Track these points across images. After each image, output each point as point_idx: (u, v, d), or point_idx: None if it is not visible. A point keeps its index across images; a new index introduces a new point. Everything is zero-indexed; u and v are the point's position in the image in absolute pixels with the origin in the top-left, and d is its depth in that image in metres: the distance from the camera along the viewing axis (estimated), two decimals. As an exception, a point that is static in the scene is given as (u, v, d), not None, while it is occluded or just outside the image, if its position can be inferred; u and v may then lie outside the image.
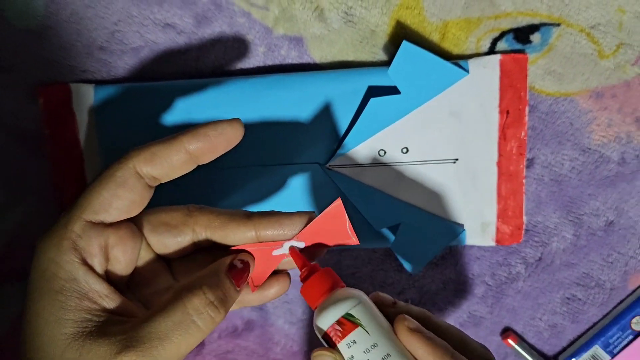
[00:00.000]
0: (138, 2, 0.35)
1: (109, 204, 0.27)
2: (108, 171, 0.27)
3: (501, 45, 0.36)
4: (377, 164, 0.37)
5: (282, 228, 0.28)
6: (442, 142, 0.37)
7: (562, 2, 0.35)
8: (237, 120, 0.29)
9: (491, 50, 0.37)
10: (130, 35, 0.36)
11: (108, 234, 0.27)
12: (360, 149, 0.37)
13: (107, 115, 0.37)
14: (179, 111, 0.36)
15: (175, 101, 0.36)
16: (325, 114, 0.36)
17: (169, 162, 0.28)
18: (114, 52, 0.37)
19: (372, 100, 0.35)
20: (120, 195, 0.27)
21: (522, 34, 0.36)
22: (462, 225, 0.38)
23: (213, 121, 0.28)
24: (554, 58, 0.37)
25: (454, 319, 0.41)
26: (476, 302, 0.41)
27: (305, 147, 0.37)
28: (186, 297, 0.25)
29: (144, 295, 0.29)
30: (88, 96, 0.36)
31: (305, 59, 0.37)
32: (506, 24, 0.36)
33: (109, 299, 0.26)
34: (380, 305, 0.28)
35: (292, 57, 0.37)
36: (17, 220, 0.39)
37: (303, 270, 0.28)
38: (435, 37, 0.36)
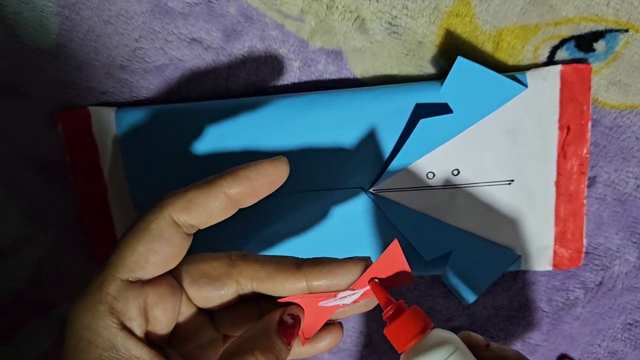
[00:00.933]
0: (161, 17, 0.32)
1: (145, 259, 0.24)
2: (141, 222, 0.24)
3: (561, 54, 0.33)
4: (425, 187, 0.34)
5: (336, 278, 0.25)
6: (496, 163, 0.34)
7: (631, 5, 0.32)
8: (281, 159, 0.26)
9: (550, 60, 0.33)
10: (153, 53, 0.33)
11: (146, 292, 0.24)
12: (407, 171, 0.34)
13: (131, 141, 0.34)
14: (209, 135, 0.33)
15: (205, 124, 0.33)
16: (369, 134, 0.33)
17: (208, 209, 0.25)
18: (136, 71, 0.33)
19: (422, 121, 0.32)
20: (156, 250, 0.24)
21: (585, 42, 0.33)
22: (517, 251, 0.35)
23: (255, 162, 0.26)
24: (620, 67, 0.33)
25: (507, 346, 0.39)
26: (531, 329, 0.38)
27: (348, 170, 0.34)
28: None
29: (186, 351, 0.26)
30: (109, 120, 0.34)
31: (345, 74, 0.34)
32: (567, 31, 0.32)
33: None
34: (472, 347, 0.26)
35: (330, 72, 0.34)
36: (41, 252, 0.36)
37: (388, 308, 0.26)
38: (488, 47, 0.33)
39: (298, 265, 0.25)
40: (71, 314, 0.24)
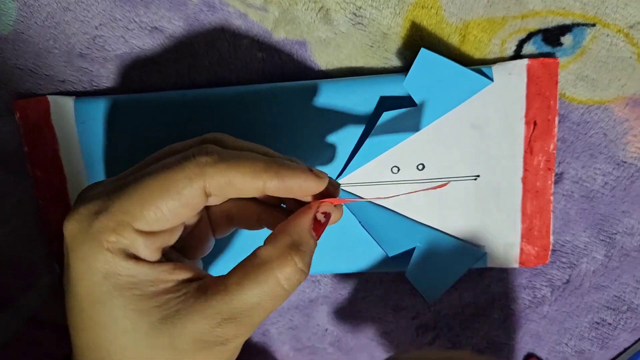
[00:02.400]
0: (122, 4, 0.32)
1: (167, 219, 0.23)
2: (172, 182, 0.23)
3: (528, 48, 0.33)
4: (389, 182, 0.33)
5: (285, 181, 0.25)
6: (461, 158, 0.33)
7: None
8: (324, 177, 0.26)
9: (517, 54, 0.33)
10: (113, 41, 0.32)
11: (159, 237, 0.24)
12: (371, 165, 0.33)
13: (89, 131, 0.33)
14: (170, 126, 0.33)
15: (166, 115, 0.33)
16: (332, 127, 0.33)
17: (241, 192, 0.24)
18: (96, 59, 0.33)
19: (385, 113, 0.31)
20: (180, 214, 0.23)
21: (552, 36, 0.32)
22: (482, 248, 0.34)
23: (302, 171, 0.25)
24: (587, 62, 0.33)
25: (472, 345, 0.38)
26: (497, 327, 0.38)
27: (310, 163, 0.33)
28: (278, 268, 0.24)
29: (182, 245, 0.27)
30: (68, 110, 0.33)
31: (310, 65, 0.33)
32: (534, 24, 0.32)
33: (180, 273, 0.24)
34: None
35: (294, 63, 0.33)
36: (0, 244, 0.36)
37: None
38: (454, 40, 0.32)
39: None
40: (75, 263, 0.23)
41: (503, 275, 0.36)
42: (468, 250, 0.34)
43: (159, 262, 0.24)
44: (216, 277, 0.25)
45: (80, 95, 0.33)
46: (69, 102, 0.33)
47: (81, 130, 0.33)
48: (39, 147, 0.33)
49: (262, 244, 0.25)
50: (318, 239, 0.26)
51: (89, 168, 0.34)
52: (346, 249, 0.34)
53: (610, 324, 0.37)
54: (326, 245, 0.34)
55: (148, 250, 0.23)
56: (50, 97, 0.33)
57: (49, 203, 0.34)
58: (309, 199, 0.26)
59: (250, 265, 0.24)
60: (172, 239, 0.25)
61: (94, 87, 0.33)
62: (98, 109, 0.33)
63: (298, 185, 0.25)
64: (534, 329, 0.37)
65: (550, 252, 0.35)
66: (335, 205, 0.27)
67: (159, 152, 0.26)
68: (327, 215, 0.26)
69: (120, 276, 0.23)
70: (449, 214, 0.34)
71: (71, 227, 0.23)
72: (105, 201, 0.23)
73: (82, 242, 0.23)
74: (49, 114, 0.33)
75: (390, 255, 0.33)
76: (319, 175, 0.25)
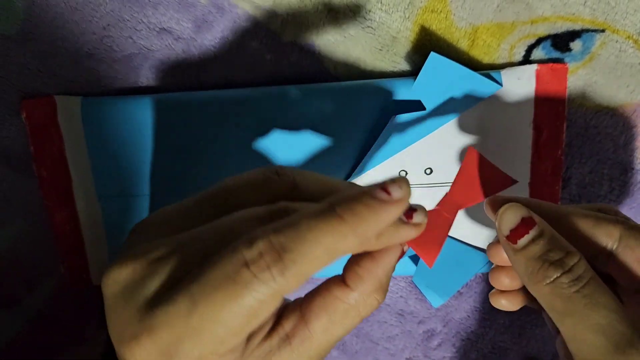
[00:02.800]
0: (130, 5, 0.31)
1: (239, 339, 0.20)
2: (247, 306, 0.19)
3: (537, 53, 0.32)
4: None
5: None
6: (469, 162, 0.33)
7: (607, 5, 0.31)
8: (421, 223, 0.21)
9: (526, 59, 0.33)
10: (121, 42, 0.32)
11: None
12: (379, 169, 0.33)
13: (96, 132, 0.33)
14: (177, 127, 0.33)
15: (173, 116, 0.32)
16: (341, 130, 0.32)
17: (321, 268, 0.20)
18: (104, 60, 0.33)
19: (393, 117, 0.31)
20: (252, 324, 0.20)
21: (561, 41, 0.32)
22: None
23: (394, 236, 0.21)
24: (596, 68, 0.33)
25: (477, 349, 0.38)
26: (502, 332, 0.38)
27: (318, 167, 0.33)
28: (364, 310, 0.22)
29: None
30: (75, 110, 0.33)
31: (318, 68, 0.33)
32: (543, 30, 0.32)
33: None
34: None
35: (302, 65, 0.33)
36: (4, 244, 0.36)
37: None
38: (463, 44, 0.32)
39: None
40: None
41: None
42: (475, 255, 0.34)
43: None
44: (296, 319, 0.22)
45: (87, 95, 0.33)
46: (76, 102, 0.33)
47: (88, 131, 0.33)
48: (45, 147, 0.33)
49: None
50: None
51: (95, 169, 0.34)
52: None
53: (615, 330, 0.37)
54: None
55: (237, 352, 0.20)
56: (57, 97, 0.33)
57: (55, 203, 0.34)
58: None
59: (334, 310, 0.22)
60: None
61: (102, 88, 0.33)
62: (105, 109, 0.33)
63: (377, 226, 0.19)
64: (538, 334, 0.37)
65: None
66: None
67: (219, 221, 0.21)
68: (407, 247, 0.24)
69: None
70: (457, 219, 0.34)
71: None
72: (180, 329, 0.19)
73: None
74: (55, 114, 0.33)
75: (397, 259, 0.33)
76: (417, 225, 0.21)
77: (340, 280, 0.22)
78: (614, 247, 0.24)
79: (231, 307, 0.18)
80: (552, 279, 0.23)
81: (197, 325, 0.19)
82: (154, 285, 0.20)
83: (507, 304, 0.28)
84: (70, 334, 0.39)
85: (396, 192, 0.19)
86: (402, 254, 0.23)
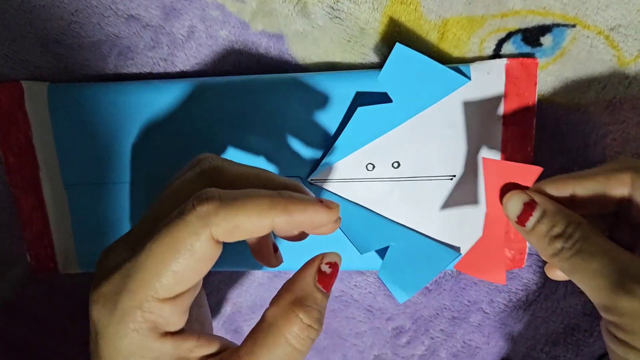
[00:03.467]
0: (98, -9, 0.31)
1: (186, 280, 0.23)
2: (178, 239, 0.22)
3: (507, 47, 0.32)
4: (364, 179, 0.33)
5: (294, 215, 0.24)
6: (437, 157, 0.33)
7: (579, 0, 0.31)
8: (335, 208, 0.24)
9: (496, 53, 0.32)
10: (89, 28, 0.32)
11: (183, 297, 0.23)
12: (346, 162, 0.33)
13: (63, 118, 0.33)
14: (143, 115, 0.32)
15: (139, 104, 0.32)
16: (308, 121, 0.32)
17: (250, 233, 0.23)
18: (71, 46, 0.33)
19: (359, 109, 0.31)
20: (198, 270, 0.23)
21: (532, 36, 0.32)
22: (458, 249, 0.34)
23: (312, 204, 0.24)
24: (567, 64, 0.32)
25: (447, 348, 0.38)
26: (472, 330, 0.37)
27: (285, 158, 0.33)
28: (284, 327, 0.23)
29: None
30: (42, 96, 0.33)
31: (286, 59, 0.33)
32: (514, 24, 0.32)
33: (201, 348, 0.24)
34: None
35: (271, 56, 0.33)
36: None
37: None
38: (433, 37, 0.32)
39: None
40: (100, 338, 0.23)
41: (479, 279, 0.36)
42: (443, 251, 0.33)
43: (183, 336, 0.24)
44: (234, 348, 0.24)
45: (55, 81, 0.33)
46: (43, 89, 0.32)
47: (55, 117, 0.33)
48: (12, 133, 0.33)
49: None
50: (328, 291, 0.25)
51: (62, 155, 0.33)
52: (318, 246, 0.34)
53: (586, 330, 0.36)
54: (298, 243, 0.34)
55: (176, 315, 0.23)
56: (24, 83, 0.32)
57: (21, 190, 0.34)
58: (322, 230, 0.25)
59: (260, 331, 0.24)
60: (195, 292, 0.24)
61: (69, 74, 0.33)
62: (72, 96, 0.32)
63: (309, 220, 0.24)
64: (508, 334, 0.37)
65: (526, 256, 0.34)
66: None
67: (161, 198, 0.25)
68: (332, 266, 0.25)
69: (143, 358, 0.23)
70: (425, 214, 0.33)
71: (96, 309, 0.23)
72: (124, 278, 0.23)
73: (107, 325, 0.23)
74: (22, 100, 0.33)
75: (362, 253, 0.33)
76: (330, 207, 0.24)
77: (266, 309, 0.25)
78: (629, 193, 0.26)
79: (164, 239, 0.22)
80: (558, 250, 0.25)
81: (138, 265, 0.22)
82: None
83: (561, 274, 0.30)
84: (40, 324, 0.38)
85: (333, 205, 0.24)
86: (326, 278, 0.25)
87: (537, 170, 0.27)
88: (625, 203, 0.27)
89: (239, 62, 0.33)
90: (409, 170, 0.33)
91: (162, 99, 0.32)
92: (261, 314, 0.24)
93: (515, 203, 0.27)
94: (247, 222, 0.22)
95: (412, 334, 0.38)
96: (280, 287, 0.25)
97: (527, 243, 0.34)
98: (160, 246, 0.22)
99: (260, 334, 0.24)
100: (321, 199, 0.24)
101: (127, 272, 0.23)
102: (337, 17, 0.32)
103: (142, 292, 0.22)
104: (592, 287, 0.24)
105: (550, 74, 0.32)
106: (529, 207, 0.27)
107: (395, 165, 0.33)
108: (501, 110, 0.32)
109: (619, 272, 0.23)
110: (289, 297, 0.24)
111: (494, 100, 0.32)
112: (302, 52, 0.33)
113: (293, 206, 0.23)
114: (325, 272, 0.25)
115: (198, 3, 0.32)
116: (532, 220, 0.26)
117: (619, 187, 0.26)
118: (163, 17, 0.32)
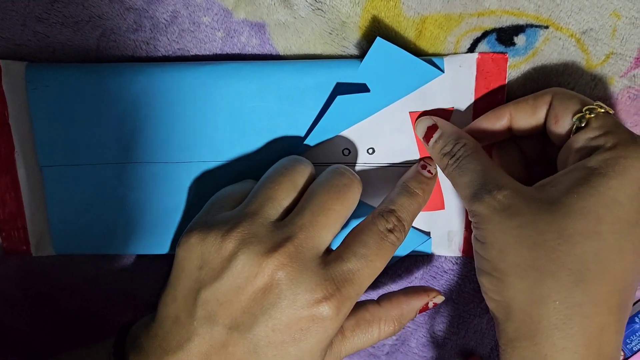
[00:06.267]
0: (83, -28, 0.32)
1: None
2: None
3: (482, 47, 0.33)
4: (340, 163, 0.34)
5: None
6: (410, 144, 0.34)
7: (552, 2, 0.32)
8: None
9: (471, 52, 0.33)
10: (72, 8, 0.32)
11: None
12: (323, 146, 0.33)
13: (41, 98, 0.33)
14: (123, 98, 0.33)
15: (119, 87, 0.32)
16: (287, 108, 0.33)
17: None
18: (53, 25, 0.33)
19: (338, 97, 0.32)
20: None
21: (506, 35, 0.33)
22: (428, 233, 0.35)
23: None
24: (539, 64, 0.34)
25: (416, 338, 0.38)
26: (441, 321, 0.38)
27: (264, 142, 0.33)
28: (383, 326, 0.31)
29: None
30: (20, 75, 0.33)
31: (268, 49, 0.33)
32: (489, 23, 0.33)
33: None
34: None
35: (252, 45, 0.33)
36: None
37: None
38: (410, 34, 0.33)
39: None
40: None
41: (449, 266, 0.37)
42: (412, 234, 0.34)
43: None
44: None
45: (36, 60, 0.33)
46: (21, 68, 0.32)
47: (32, 97, 0.33)
48: (-11, 112, 0.33)
49: None
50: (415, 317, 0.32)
51: (39, 136, 0.33)
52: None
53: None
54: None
55: None
56: (2, 62, 0.32)
57: (-4, 170, 0.34)
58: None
59: (362, 318, 0.31)
60: None
61: (50, 54, 0.33)
62: (50, 76, 0.32)
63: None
64: (476, 325, 0.38)
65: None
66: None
67: None
68: (435, 306, 0.33)
69: None
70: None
71: None
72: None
73: None
74: (0, 78, 0.32)
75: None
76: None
77: (374, 302, 0.32)
78: (547, 111, 0.31)
79: (385, 260, 0.29)
80: (445, 165, 0.31)
81: (365, 276, 0.28)
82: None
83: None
84: (10, 306, 0.38)
85: (433, 169, 0.33)
86: (426, 308, 0.32)
87: (449, 111, 0.33)
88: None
89: (221, 49, 0.33)
90: (383, 156, 0.34)
91: (142, 82, 0.32)
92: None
93: (421, 125, 0.32)
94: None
95: (382, 324, 0.38)
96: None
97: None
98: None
99: (363, 322, 0.31)
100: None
101: None
102: (319, 9, 0.32)
103: None
104: (462, 196, 0.30)
105: (522, 73, 0.34)
106: (432, 129, 0.32)
107: (370, 151, 0.34)
108: (472, 101, 0.33)
109: (480, 185, 0.28)
110: (397, 311, 0.31)
111: (465, 93, 0.33)
112: (284, 42, 0.33)
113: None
114: (428, 306, 0.32)
115: (182, -11, 0.32)
116: (432, 140, 0.32)
117: (543, 106, 0.31)
118: (147, 0, 0.32)
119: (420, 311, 0.32)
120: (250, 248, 0.27)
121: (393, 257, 0.34)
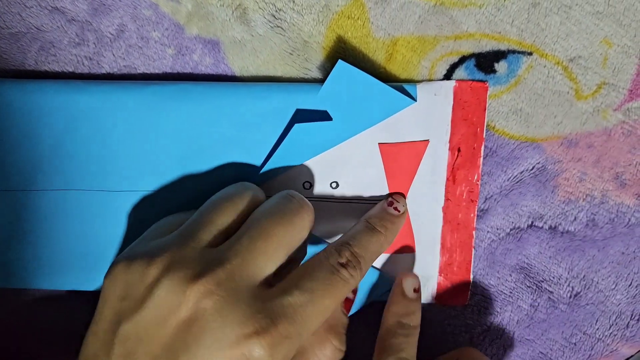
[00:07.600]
0: (21, -20, 0.29)
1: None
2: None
3: (459, 73, 0.30)
4: (299, 200, 0.30)
5: None
6: (378, 179, 0.30)
7: (537, 27, 0.29)
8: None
9: (447, 79, 0.30)
10: (9, 18, 0.30)
11: None
12: (281, 179, 0.30)
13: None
14: (62, 119, 0.29)
15: (58, 106, 0.29)
16: (242, 135, 0.30)
17: None
18: (-12, 37, 0.30)
19: (296, 125, 0.29)
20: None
21: (486, 61, 0.30)
22: (393, 277, 0.31)
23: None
24: (522, 94, 0.30)
25: None
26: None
27: (215, 172, 0.30)
28: (320, 353, 0.28)
29: None
30: (-49, 89, 0.30)
31: (222, 69, 0.30)
32: (467, 47, 0.30)
33: None
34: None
35: (206, 64, 0.30)
36: None
37: None
38: (380, 57, 0.30)
39: None
40: None
41: (422, 315, 0.33)
42: (380, 279, 0.31)
43: None
44: None
45: (-34, 74, 0.30)
46: (-49, 81, 0.30)
47: (-36, 113, 0.30)
48: None
49: None
50: (349, 313, 0.30)
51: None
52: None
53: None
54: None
55: None
56: None
57: None
58: None
59: (296, 355, 0.27)
60: None
61: (-16, 67, 0.30)
62: (-16, 91, 0.30)
63: None
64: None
65: (469, 294, 0.32)
66: None
67: None
68: (354, 291, 0.30)
69: None
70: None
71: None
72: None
73: None
74: None
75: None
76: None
77: None
78: None
79: (334, 298, 0.25)
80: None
81: (309, 314, 0.24)
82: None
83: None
84: None
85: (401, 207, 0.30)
86: (350, 301, 0.30)
87: (425, 144, 0.30)
88: None
89: (171, 67, 0.30)
90: (348, 191, 0.30)
91: (83, 102, 0.29)
92: None
93: (408, 284, 0.31)
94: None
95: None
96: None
97: (472, 277, 0.31)
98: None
99: (296, 357, 0.28)
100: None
101: None
102: (279, 26, 0.29)
103: None
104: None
105: (504, 104, 0.30)
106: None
107: (334, 185, 0.30)
108: (448, 134, 0.30)
109: None
110: (323, 325, 0.28)
111: (441, 124, 0.30)
112: (240, 62, 0.30)
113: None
114: (348, 298, 0.30)
115: (129, 0, 0.29)
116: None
117: None
118: (91, 12, 0.29)
119: (346, 307, 0.30)
120: (175, 274, 0.23)
121: (355, 305, 0.31)
